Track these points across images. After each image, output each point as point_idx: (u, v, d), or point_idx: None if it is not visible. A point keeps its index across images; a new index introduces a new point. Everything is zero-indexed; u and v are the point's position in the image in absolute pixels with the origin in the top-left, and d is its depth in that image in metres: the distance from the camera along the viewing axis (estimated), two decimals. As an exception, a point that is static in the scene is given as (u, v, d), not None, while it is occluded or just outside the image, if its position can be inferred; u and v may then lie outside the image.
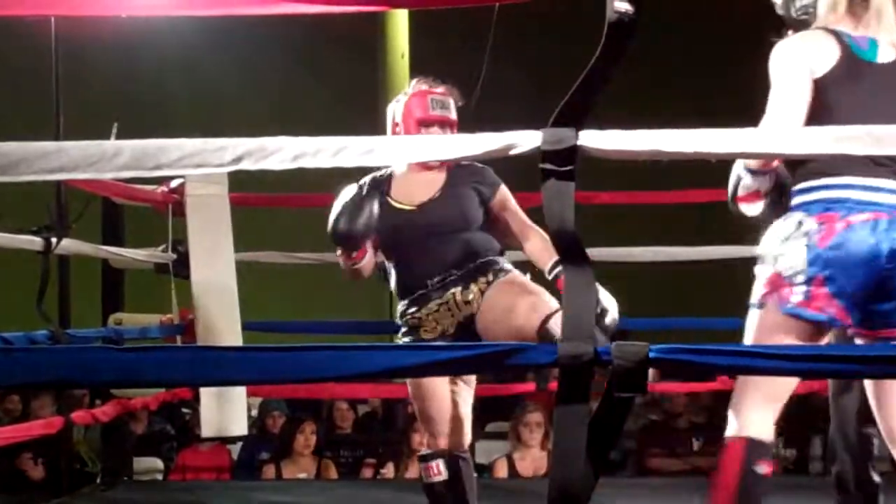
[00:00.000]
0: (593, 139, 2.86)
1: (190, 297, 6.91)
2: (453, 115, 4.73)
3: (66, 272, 6.90)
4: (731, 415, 3.63)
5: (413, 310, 4.70)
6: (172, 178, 6.85)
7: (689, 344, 2.81)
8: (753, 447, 3.56)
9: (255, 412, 8.66)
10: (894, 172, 3.59)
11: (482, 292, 4.61)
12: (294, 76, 13.11)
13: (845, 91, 3.59)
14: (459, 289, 4.62)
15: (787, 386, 3.62)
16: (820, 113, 3.54)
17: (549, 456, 7.46)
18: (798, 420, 8.39)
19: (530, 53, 11.79)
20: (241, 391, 6.81)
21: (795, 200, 3.62)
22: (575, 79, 2.83)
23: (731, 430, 3.60)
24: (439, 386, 4.72)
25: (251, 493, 6.25)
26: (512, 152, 2.88)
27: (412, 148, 2.98)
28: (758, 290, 3.61)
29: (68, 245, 6.06)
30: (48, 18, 7.18)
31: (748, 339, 3.62)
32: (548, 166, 2.84)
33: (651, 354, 2.80)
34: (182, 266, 6.96)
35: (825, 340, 3.64)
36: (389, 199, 4.70)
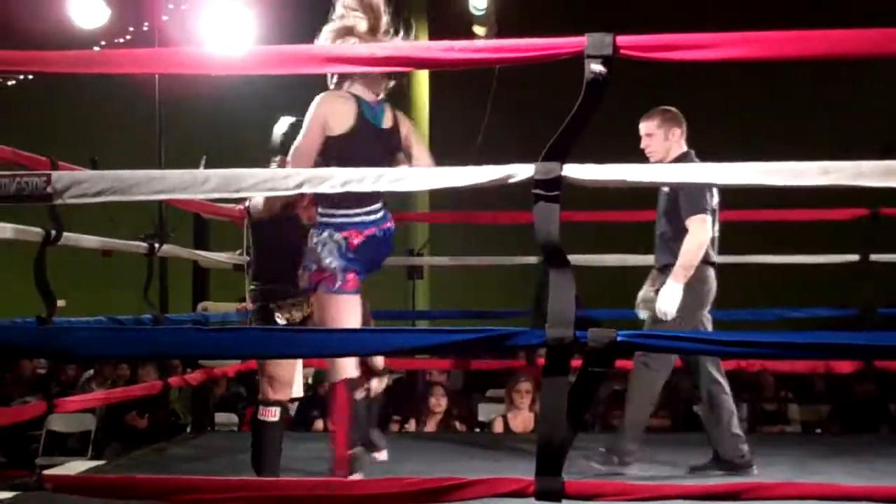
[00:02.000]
0: (574, 171, 2.87)
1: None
2: None
3: (166, 270, 6.90)
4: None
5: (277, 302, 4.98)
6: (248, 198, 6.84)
7: (648, 331, 2.81)
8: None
9: (310, 380, 8.62)
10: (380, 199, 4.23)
11: None
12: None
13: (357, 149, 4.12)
14: None
15: None
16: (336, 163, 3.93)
17: (537, 416, 7.45)
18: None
19: (525, 104, 11.77)
20: (298, 362, 6.80)
21: (325, 221, 4.21)
22: (558, 124, 2.84)
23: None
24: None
25: (304, 442, 6.20)
26: (511, 181, 2.88)
27: (432, 177, 2.97)
28: (306, 280, 4.28)
29: (167, 249, 6.06)
30: (153, 76, 7.22)
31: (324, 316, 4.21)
32: (539, 191, 2.85)
33: (618, 338, 2.79)
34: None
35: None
36: None
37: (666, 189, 5.20)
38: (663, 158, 5.21)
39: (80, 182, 2.90)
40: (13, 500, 4.09)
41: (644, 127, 5.30)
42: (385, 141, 4.26)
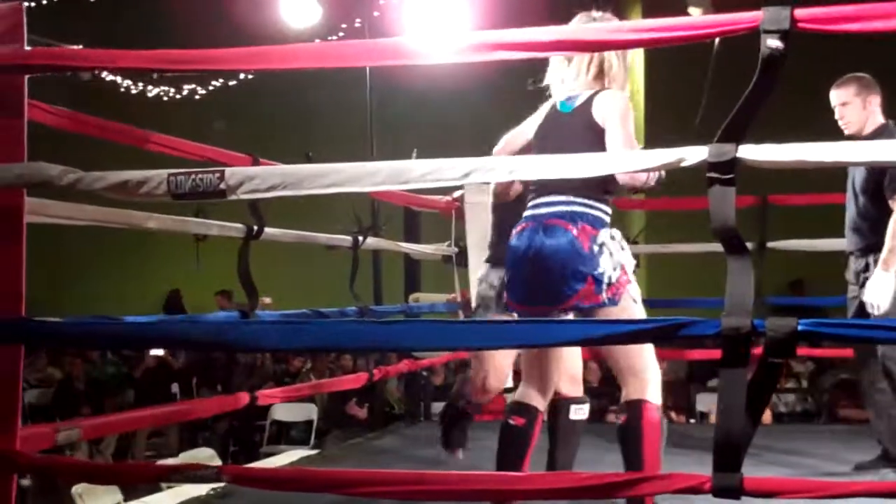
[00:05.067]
0: (750, 152, 2.73)
1: (468, 282, 6.93)
2: None
3: (379, 263, 7.03)
4: None
5: None
6: (456, 188, 6.89)
7: (831, 319, 2.66)
8: None
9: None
10: (558, 189, 3.59)
11: None
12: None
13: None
14: None
15: None
16: None
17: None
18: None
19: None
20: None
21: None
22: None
23: None
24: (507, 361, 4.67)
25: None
26: (682, 164, 2.77)
27: (603, 163, 2.89)
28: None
29: (374, 242, 6.16)
30: (364, 68, 7.35)
31: None
32: (713, 175, 2.72)
33: (799, 327, 2.65)
34: (462, 257, 6.98)
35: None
36: None
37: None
38: (860, 130, 4.89)
39: (252, 178, 2.95)
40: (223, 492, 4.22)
41: (838, 95, 4.94)
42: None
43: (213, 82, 13.85)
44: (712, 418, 7.32)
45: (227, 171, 2.96)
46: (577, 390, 4.60)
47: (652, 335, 2.71)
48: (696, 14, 9.69)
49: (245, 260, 4.82)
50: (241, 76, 12.11)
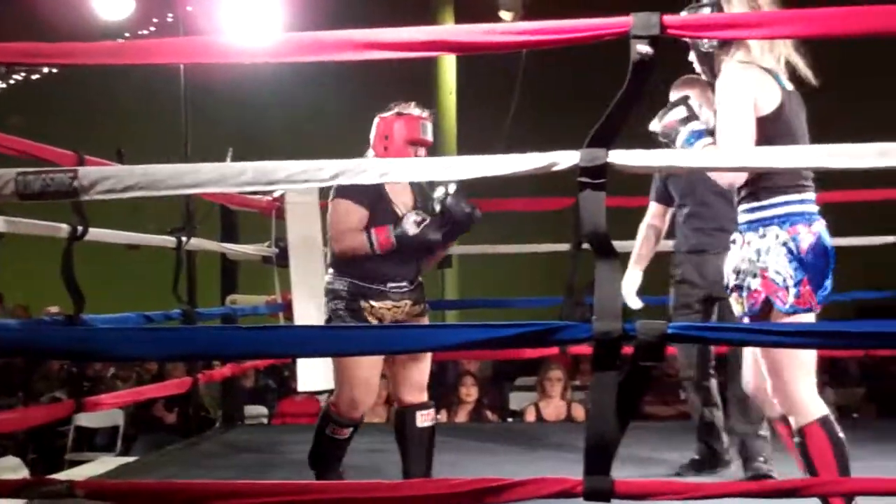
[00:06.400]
0: (620, 157, 2.75)
1: (289, 282, 6.80)
2: (432, 139, 4.34)
3: (193, 263, 6.82)
4: (796, 405, 3.31)
5: (370, 302, 4.32)
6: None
7: (700, 323, 2.70)
8: (829, 424, 3.28)
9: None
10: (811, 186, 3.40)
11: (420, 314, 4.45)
12: (362, 109, 12.84)
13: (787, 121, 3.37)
14: (410, 302, 4.39)
15: (813, 363, 3.38)
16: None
17: (568, 404, 7.34)
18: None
19: (553, 88, 11.55)
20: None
21: (761, 215, 3.33)
22: (587, 108, 2.73)
23: (805, 419, 3.29)
24: (375, 372, 4.35)
25: (360, 435, 6.10)
26: (554, 168, 2.76)
27: (474, 166, 2.85)
28: (751, 300, 3.32)
29: (195, 243, 5.98)
30: (178, 65, 7.12)
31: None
32: (584, 179, 2.73)
33: (669, 331, 2.68)
34: (283, 258, 6.86)
35: None
36: (389, 197, 4.30)
37: None
38: None
39: (107, 178, 2.80)
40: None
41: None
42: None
43: (15, 76, 13.19)
44: (526, 416, 7.40)
45: (81, 170, 2.81)
46: (422, 396, 4.48)
47: (526, 339, 2.69)
48: (507, 18, 9.84)
49: (69, 262, 4.59)
50: (45, 70, 11.57)
